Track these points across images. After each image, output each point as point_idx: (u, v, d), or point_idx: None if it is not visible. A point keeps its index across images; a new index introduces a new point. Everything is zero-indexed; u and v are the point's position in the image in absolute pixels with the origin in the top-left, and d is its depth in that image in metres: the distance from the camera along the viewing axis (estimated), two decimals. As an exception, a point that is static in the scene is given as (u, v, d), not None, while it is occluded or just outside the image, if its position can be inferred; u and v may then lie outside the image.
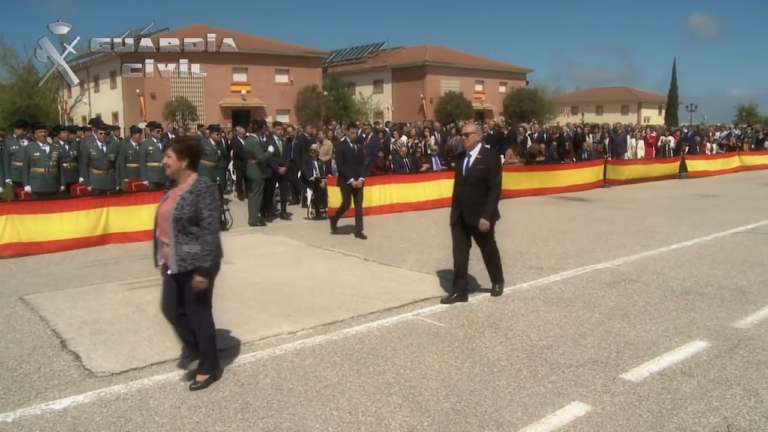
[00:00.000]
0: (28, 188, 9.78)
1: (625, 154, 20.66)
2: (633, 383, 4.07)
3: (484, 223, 5.78)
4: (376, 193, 11.89)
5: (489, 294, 6.15)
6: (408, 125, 20.27)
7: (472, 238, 6.01)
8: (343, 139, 10.67)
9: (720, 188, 16.37)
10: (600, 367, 4.34)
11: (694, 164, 19.77)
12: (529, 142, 18.43)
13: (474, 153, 5.87)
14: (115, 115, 38.91)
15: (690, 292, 6.27)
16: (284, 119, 30.14)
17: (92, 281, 6.98)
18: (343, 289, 6.45)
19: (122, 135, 15.09)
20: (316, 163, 12.19)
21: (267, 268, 7.50)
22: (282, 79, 40.24)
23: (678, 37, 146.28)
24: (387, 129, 18.15)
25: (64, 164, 10.09)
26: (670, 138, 22.59)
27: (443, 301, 5.91)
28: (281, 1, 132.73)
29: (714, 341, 4.84)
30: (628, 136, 21.72)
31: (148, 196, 9.40)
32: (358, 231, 9.51)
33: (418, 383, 4.11)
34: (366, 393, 3.96)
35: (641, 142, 21.60)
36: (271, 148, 10.94)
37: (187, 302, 4.02)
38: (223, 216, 10.46)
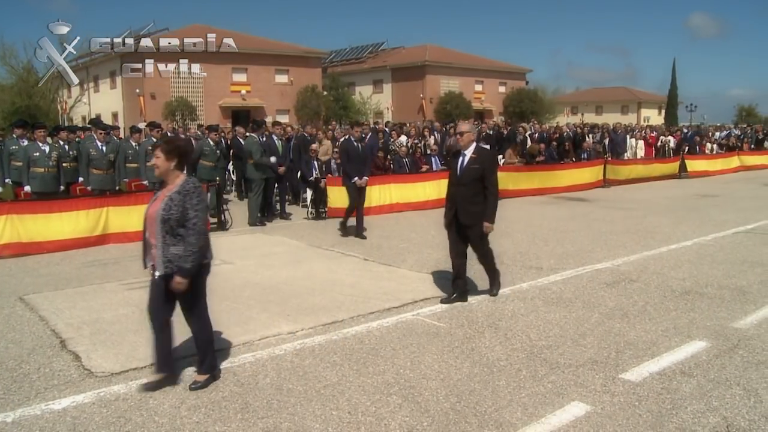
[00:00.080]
0: (27, 188, 9.78)
1: (625, 154, 20.68)
2: (633, 383, 4.07)
3: (488, 227, 5.81)
4: (375, 193, 11.88)
5: (488, 294, 6.15)
6: (408, 125, 20.28)
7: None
8: (347, 137, 10.65)
9: (720, 188, 16.37)
10: (600, 367, 4.34)
11: (693, 164, 19.77)
12: (529, 142, 18.42)
13: (469, 152, 5.86)
14: (114, 115, 38.90)
15: (690, 292, 6.27)
16: (284, 119, 30.13)
17: (92, 281, 6.98)
18: (342, 289, 6.45)
19: (122, 135, 15.09)
20: (315, 163, 12.19)
21: (267, 268, 7.50)
22: (282, 79, 40.24)
23: (678, 37, 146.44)
24: (386, 129, 18.16)
25: (64, 164, 10.09)
26: (670, 138, 22.61)
27: (443, 302, 5.91)
28: (281, 1, 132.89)
29: (714, 341, 4.84)
30: (628, 136, 21.74)
31: (147, 196, 9.35)
32: (358, 231, 9.52)
33: (418, 383, 4.11)
34: (366, 393, 3.96)
35: (641, 142, 21.62)
36: (273, 159, 10.95)
37: (182, 304, 4.01)
38: (223, 216, 10.48)
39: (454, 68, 47.46)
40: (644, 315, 5.52)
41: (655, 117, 62.74)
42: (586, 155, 17.51)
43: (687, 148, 21.89)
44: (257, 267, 7.58)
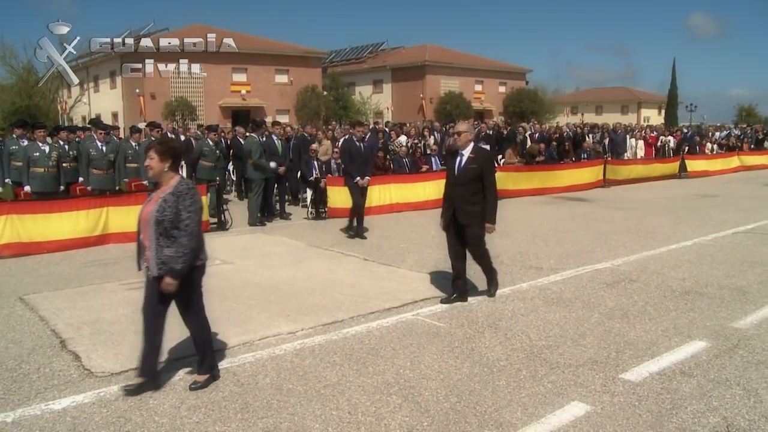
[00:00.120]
0: (27, 188, 9.79)
1: (625, 154, 20.68)
2: (633, 383, 4.07)
3: (490, 228, 5.83)
4: (375, 193, 11.88)
5: (486, 295, 6.15)
6: (408, 125, 20.28)
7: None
8: (349, 137, 10.64)
9: (720, 188, 16.38)
10: (600, 367, 4.34)
11: (693, 164, 19.77)
12: (529, 142, 18.41)
13: (466, 152, 5.86)
14: (114, 115, 38.90)
15: (690, 292, 6.27)
16: (284, 119, 30.16)
17: (92, 281, 6.97)
18: (342, 289, 6.45)
19: (122, 135, 15.08)
20: (315, 163, 12.19)
21: (267, 268, 7.50)
22: (282, 79, 40.24)
23: (678, 37, 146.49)
24: (386, 129, 18.16)
25: (64, 164, 10.09)
26: (670, 138, 22.61)
27: (443, 302, 5.91)
28: (281, 1, 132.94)
29: (713, 341, 4.84)
30: (628, 136, 21.74)
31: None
32: (358, 231, 9.52)
33: (418, 383, 4.11)
34: (365, 393, 3.96)
35: (641, 142, 21.62)
36: (273, 164, 10.96)
37: (178, 305, 4.00)
38: (222, 216, 10.48)
39: (454, 68, 47.45)
40: (644, 315, 5.52)
41: (655, 117, 62.73)
42: (586, 155, 17.51)
43: (687, 148, 21.90)
44: (257, 267, 7.58)
